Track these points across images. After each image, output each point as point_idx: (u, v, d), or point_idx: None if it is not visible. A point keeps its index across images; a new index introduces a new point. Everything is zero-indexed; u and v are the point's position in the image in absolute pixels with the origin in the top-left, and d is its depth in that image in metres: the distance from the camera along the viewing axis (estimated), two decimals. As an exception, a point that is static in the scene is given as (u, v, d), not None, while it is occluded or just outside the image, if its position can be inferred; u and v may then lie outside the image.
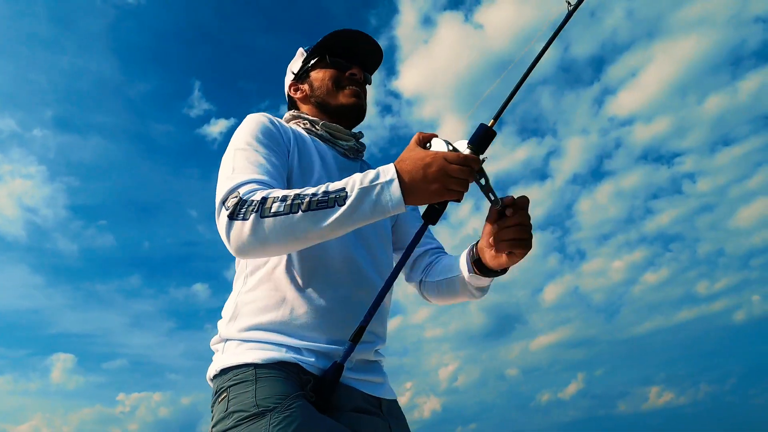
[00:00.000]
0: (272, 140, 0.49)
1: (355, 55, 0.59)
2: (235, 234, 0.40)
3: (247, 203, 0.40)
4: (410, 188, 0.40)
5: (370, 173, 0.40)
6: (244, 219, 0.40)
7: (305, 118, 0.56)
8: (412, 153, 0.41)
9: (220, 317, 0.51)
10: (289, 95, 0.62)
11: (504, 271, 0.50)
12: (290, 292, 0.47)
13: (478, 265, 0.50)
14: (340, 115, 0.57)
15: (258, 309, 0.47)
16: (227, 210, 0.41)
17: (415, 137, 0.43)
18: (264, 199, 0.40)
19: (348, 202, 0.39)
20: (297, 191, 0.40)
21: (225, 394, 0.43)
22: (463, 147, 0.43)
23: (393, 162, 0.41)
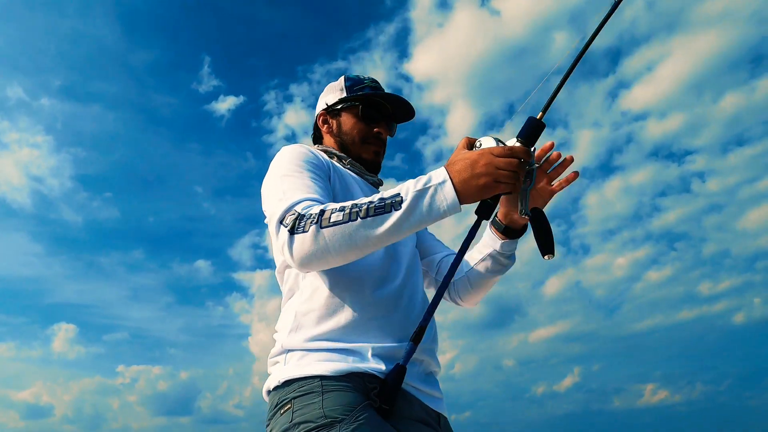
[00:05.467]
0: (315, 167, 0.51)
1: (386, 109, 0.61)
2: (297, 247, 0.41)
3: (306, 216, 0.42)
4: (462, 187, 0.41)
5: (423, 177, 0.42)
6: (305, 231, 0.41)
7: (334, 154, 0.60)
8: (459, 155, 0.43)
9: (275, 329, 0.52)
10: (316, 124, 0.64)
11: (524, 230, 0.53)
12: (346, 298, 0.48)
13: (506, 231, 0.53)
14: (358, 163, 0.60)
15: (318, 318, 0.48)
16: (286, 227, 0.42)
17: (462, 141, 0.45)
18: (322, 211, 0.41)
19: (404, 205, 0.40)
20: (353, 201, 0.42)
21: (289, 406, 0.43)
22: (513, 142, 0.44)
23: (443, 166, 0.43)
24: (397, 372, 0.45)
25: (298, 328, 0.48)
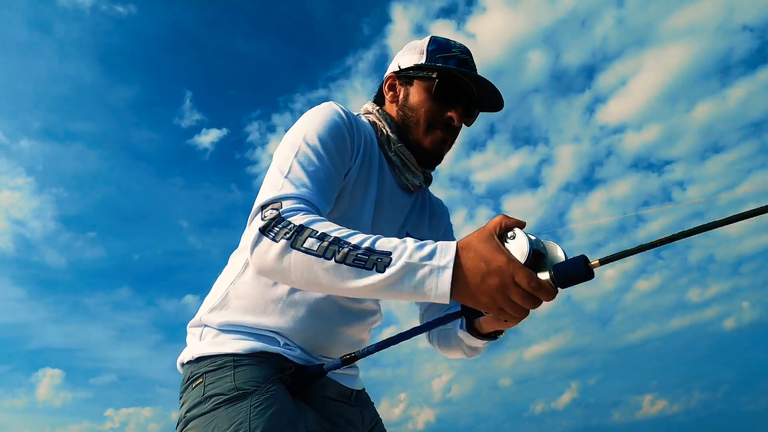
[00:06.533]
0: (340, 148, 0.44)
1: (468, 90, 0.50)
2: (260, 251, 0.37)
3: (283, 223, 0.36)
4: (461, 286, 0.33)
5: (426, 248, 0.34)
6: (274, 240, 0.36)
7: (385, 130, 0.50)
8: (481, 245, 0.33)
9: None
10: (381, 85, 0.55)
11: (498, 334, 0.47)
12: (285, 301, 0.46)
13: (470, 325, 0.48)
14: (415, 152, 0.51)
15: (247, 307, 0.46)
16: (262, 221, 0.37)
17: (495, 221, 0.35)
18: (302, 228, 0.36)
19: (388, 271, 0.33)
20: (339, 233, 0.35)
21: (200, 380, 0.43)
22: (554, 256, 0.34)
23: (457, 241, 0.34)
24: (318, 372, 0.45)
25: (223, 307, 0.46)
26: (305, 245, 0.35)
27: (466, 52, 0.51)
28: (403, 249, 0.34)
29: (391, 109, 0.53)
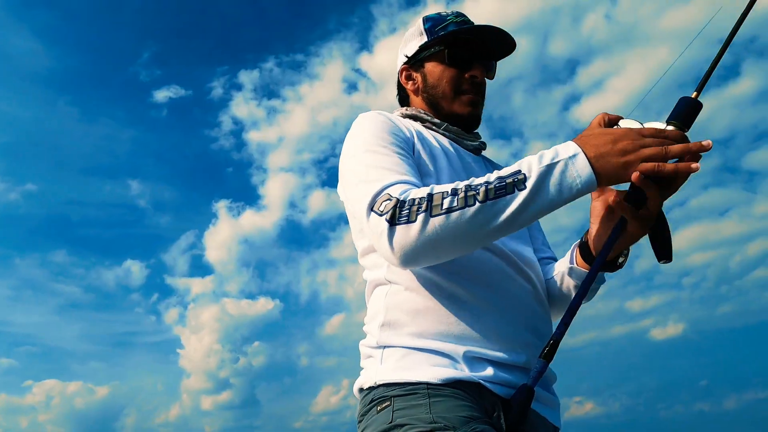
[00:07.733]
0: (400, 140, 0.45)
1: (479, 46, 0.52)
2: (400, 240, 0.36)
3: (408, 203, 0.36)
4: (598, 162, 0.35)
5: (547, 152, 0.36)
6: (409, 221, 0.35)
7: (425, 119, 0.52)
8: (595, 130, 0.37)
9: (363, 322, 0.48)
10: (399, 83, 0.57)
11: (620, 263, 0.45)
12: (453, 291, 0.42)
13: (587, 257, 0.46)
14: (453, 122, 0.52)
15: (418, 310, 0.42)
16: (382, 214, 0.36)
17: (598, 118, 0.39)
18: (430, 196, 0.36)
19: (529, 184, 0.34)
20: (465, 183, 0.36)
21: (388, 404, 0.39)
22: (661, 126, 0.37)
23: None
24: (526, 396, 0.39)
25: (395, 320, 0.43)
26: (444, 206, 0.35)
27: (459, 15, 0.53)
28: (528, 162, 0.35)
29: (417, 100, 0.55)
